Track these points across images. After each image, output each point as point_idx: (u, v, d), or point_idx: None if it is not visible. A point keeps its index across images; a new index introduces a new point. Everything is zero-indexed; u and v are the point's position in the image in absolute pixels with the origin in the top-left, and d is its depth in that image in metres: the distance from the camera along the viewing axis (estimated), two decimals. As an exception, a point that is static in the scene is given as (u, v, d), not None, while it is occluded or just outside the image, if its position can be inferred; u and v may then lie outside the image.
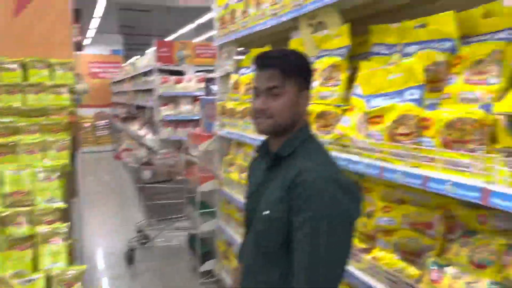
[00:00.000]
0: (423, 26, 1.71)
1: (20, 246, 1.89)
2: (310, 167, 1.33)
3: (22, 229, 1.96)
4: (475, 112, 1.34)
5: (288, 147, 1.43)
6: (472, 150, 1.34)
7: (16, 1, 2.74)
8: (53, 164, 2.21)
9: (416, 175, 1.50)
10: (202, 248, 4.09)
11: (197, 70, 6.88)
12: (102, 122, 14.12)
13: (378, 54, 2.05)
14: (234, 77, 3.40)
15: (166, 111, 6.56)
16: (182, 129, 6.64)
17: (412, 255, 1.70)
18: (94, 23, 12.21)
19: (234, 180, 3.40)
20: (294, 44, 2.59)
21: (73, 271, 1.84)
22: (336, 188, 1.28)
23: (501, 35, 1.42)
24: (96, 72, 14.73)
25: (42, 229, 1.95)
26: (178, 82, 6.46)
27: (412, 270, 1.64)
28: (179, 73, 6.82)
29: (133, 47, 20.02)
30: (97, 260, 4.73)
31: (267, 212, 1.38)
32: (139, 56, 9.81)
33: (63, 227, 1.99)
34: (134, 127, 9.36)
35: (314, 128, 2.17)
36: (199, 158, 4.11)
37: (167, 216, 4.70)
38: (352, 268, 1.94)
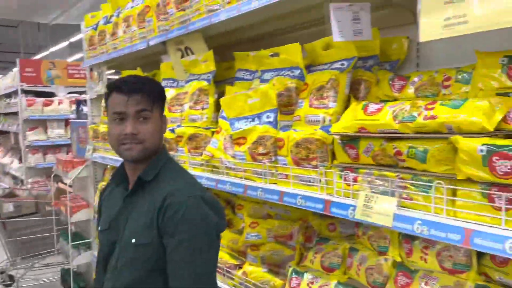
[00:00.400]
0: (276, 55, 1.89)
1: None
2: (178, 188, 1.36)
3: None
4: (317, 132, 1.51)
5: (151, 171, 1.42)
6: (316, 166, 1.50)
7: None
8: None
9: (274, 191, 1.63)
10: (77, 283, 3.78)
11: (70, 92, 6.43)
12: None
13: (242, 79, 2.19)
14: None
15: (34, 136, 5.96)
16: (52, 155, 6.09)
17: (276, 267, 1.83)
18: None
19: (109, 207, 3.24)
20: (165, 67, 2.61)
21: None
22: (205, 206, 1.34)
23: (336, 65, 1.64)
24: None
25: None
26: (47, 104, 5.94)
27: (277, 281, 1.76)
28: (49, 94, 6.29)
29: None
30: None
31: (133, 240, 1.35)
32: (1, 76, 8.80)
33: None
34: (-3, 155, 8.29)
35: (186, 151, 2.21)
36: (71, 186, 3.82)
37: (35, 252, 4.23)
38: (226, 286, 2.00)
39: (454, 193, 1.12)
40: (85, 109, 4.14)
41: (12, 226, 4.11)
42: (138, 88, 1.37)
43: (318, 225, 1.76)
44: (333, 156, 1.52)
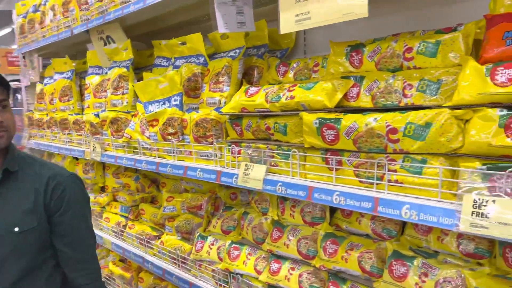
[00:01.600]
0: (184, 43, 2.07)
1: None
2: (56, 171, 1.47)
3: None
4: (211, 113, 1.72)
5: (14, 161, 1.45)
6: (212, 143, 1.72)
7: None
8: None
9: (179, 167, 1.82)
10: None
11: (11, 80, 6.29)
12: None
13: (159, 66, 2.35)
14: (39, 87, 3.34)
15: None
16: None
17: (188, 234, 2.04)
18: None
19: (47, 192, 3.34)
20: (90, 55, 2.72)
21: None
22: (80, 182, 1.52)
23: (231, 53, 1.84)
24: None
25: None
26: (-14, 93, 5.82)
27: (187, 246, 1.98)
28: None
29: None
30: None
31: (16, 228, 1.36)
32: None
33: None
34: None
35: (109, 133, 2.36)
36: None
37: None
38: (146, 255, 2.20)
39: (305, 159, 1.36)
40: (19, 97, 4.14)
41: None
42: (1, 78, 1.40)
43: (223, 195, 1.99)
44: (225, 133, 1.74)
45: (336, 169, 1.25)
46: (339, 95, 1.33)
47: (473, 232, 0.92)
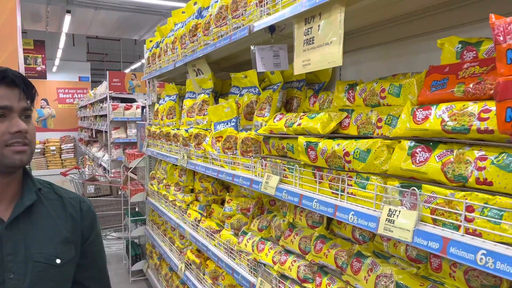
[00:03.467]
0: (246, 77, 2.57)
1: None
2: (75, 194, 1.34)
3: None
4: (252, 133, 2.18)
5: (34, 184, 1.24)
6: (251, 157, 2.17)
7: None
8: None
9: (229, 174, 2.31)
10: (134, 251, 4.78)
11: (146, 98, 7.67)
12: (68, 145, 14.63)
13: (233, 93, 2.90)
14: (156, 106, 4.21)
15: (116, 135, 7.29)
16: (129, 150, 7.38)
17: (237, 230, 2.50)
18: (65, 51, 12.89)
19: (155, 190, 4.16)
20: (188, 82, 3.43)
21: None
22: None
23: (274, 86, 2.28)
24: (64, 98, 15.33)
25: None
26: (127, 108, 7.24)
27: (234, 240, 2.44)
28: (131, 100, 7.59)
29: (101, 73, 20.69)
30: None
31: (58, 260, 1.19)
32: (105, 82, 10.57)
33: None
34: (94, 150, 9.98)
35: (193, 146, 2.98)
36: (137, 174, 4.84)
37: (108, 226, 5.35)
38: (209, 245, 2.72)
39: (301, 172, 1.72)
40: (145, 112, 5.16)
41: (93, 204, 5.28)
42: (28, 83, 1.18)
43: (265, 201, 2.41)
44: (261, 150, 2.17)
45: (319, 182, 1.58)
46: (333, 124, 1.66)
47: (385, 234, 1.19)
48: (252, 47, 2.03)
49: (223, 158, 2.44)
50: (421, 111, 1.22)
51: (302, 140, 1.64)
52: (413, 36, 1.80)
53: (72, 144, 14.89)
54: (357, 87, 1.68)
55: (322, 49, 1.58)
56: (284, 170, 1.84)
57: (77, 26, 8.98)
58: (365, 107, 1.61)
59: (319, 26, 1.62)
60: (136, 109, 7.20)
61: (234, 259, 2.39)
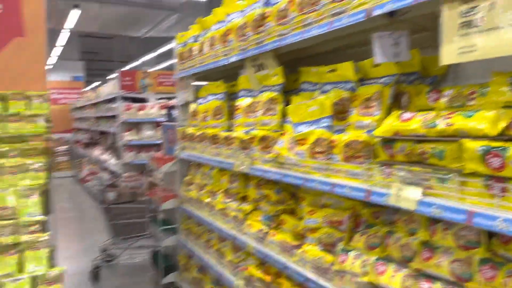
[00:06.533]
0: (333, 70, 2.26)
1: (7, 252, 2.22)
2: None
3: (7, 238, 2.29)
4: (362, 135, 1.87)
5: None
6: (361, 163, 1.86)
7: (-5, 40, 3.11)
8: (33, 183, 2.56)
9: (327, 183, 2.01)
10: (165, 262, 4.43)
11: (159, 98, 7.29)
12: (62, 148, 14.08)
13: (306, 90, 2.59)
14: (193, 106, 3.87)
15: (129, 136, 6.89)
16: (144, 153, 6.97)
17: (329, 246, 2.19)
18: (56, 51, 12.37)
19: (193, 197, 3.82)
20: (242, 79, 3.10)
21: (54, 272, 2.19)
22: None
23: (381, 80, 1.98)
24: (57, 99, 14.75)
25: (26, 238, 2.30)
26: (141, 109, 6.85)
27: (329, 257, 2.13)
28: (142, 100, 7.20)
29: (94, 73, 20.11)
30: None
31: None
32: (99, 83, 10.11)
33: (44, 236, 2.34)
34: (97, 152, 9.53)
35: (257, 150, 2.66)
36: (161, 179, 4.49)
37: (131, 235, 4.99)
38: (287, 261, 2.41)
39: (463, 183, 1.42)
40: (174, 113, 4.80)
41: (114, 212, 4.91)
42: None
43: (366, 213, 2.11)
44: (375, 155, 1.87)
45: (501, 196, 1.29)
46: (502, 124, 1.37)
47: None
48: (373, 35, 1.72)
49: (312, 164, 2.13)
50: None
51: (473, 144, 1.34)
52: None
53: (66, 147, 14.33)
54: (531, 79, 1.39)
55: (501, 33, 1.29)
56: (426, 179, 1.54)
57: (80, 21, 8.53)
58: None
59: (491, 4, 1.32)
60: (150, 109, 6.82)
61: (331, 280, 2.08)
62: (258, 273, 2.76)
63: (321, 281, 2.11)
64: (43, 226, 2.44)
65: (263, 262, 2.80)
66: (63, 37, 10.63)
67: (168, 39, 9.37)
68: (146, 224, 4.88)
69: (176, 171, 4.32)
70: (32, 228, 2.38)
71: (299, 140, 2.26)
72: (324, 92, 2.34)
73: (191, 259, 4.08)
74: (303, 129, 2.25)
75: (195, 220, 3.86)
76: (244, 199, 3.23)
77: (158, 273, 4.59)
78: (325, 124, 2.13)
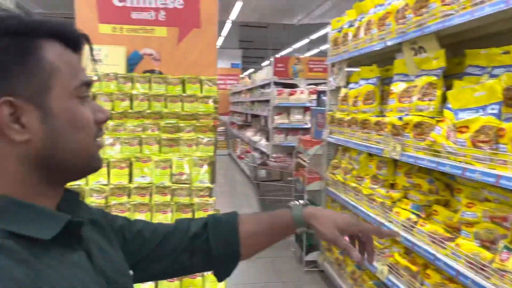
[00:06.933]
0: (507, 52, 2.04)
1: (183, 210, 2.67)
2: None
3: (184, 199, 2.74)
4: (539, 124, 1.67)
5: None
6: (536, 154, 1.67)
7: (178, 33, 3.65)
8: (203, 155, 2.97)
9: (491, 174, 1.86)
10: (308, 240, 4.63)
11: (309, 83, 7.49)
12: (220, 128, 15.62)
13: (471, 74, 2.40)
14: (343, 91, 3.91)
15: (279, 120, 7.28)
16: (292, 136, 7.29)
17: (488, 242, 2.03)
18: (219, 40, 13.69)
19: (339, 181, 3.89)
20: (398, 63, 3.01)
21: (218, 231, 2.54)
22: None
23: None
24: (218, 84, 16.35)
25: (197, 200, 2.71)
26: (292, 94, 7.15)
27: (487, 254, 1.98)
28: (292, 85, 7.51)
29: (250, 60, 21.59)
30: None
31: (131, 272, 0.92)
32: (253, 69, 10.83)
33: (211, 200, 2.72)
34: (249, 134, 10.33)
35: (411, 136, 2.58)
36: (308, 161, 4.67)
37: (278, 211, 5.34)
38: (438, 253, 2.31)
39: None
40: (324, 98, 4.92)
41: (263, 188, 5.32)
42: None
43: (537, 212, 1.89)
44: (556, 147, 1.65)
45: None
46: None
47: None
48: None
49: (474, 154, 1.99)
50: None
51: None
52: None
53: (223, 128, 15.84)
54: None
55: None
56: None
57: (241, 12, 9.26)
58: None
59: None
60: (300, 94, 7.08)
61: (489, 278, 1.93)
62: (404, 261, 2.72)
63: (477, 278, 1.98)
64: (210, 192, 2.83)
65: (410, 251, 2.73)
66: (226, 28, 11.68)
67: (320, 26, 9.48)
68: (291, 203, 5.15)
69: (323, 154, 4.45)
70: (202, 193, 2.78)
71: (460, 128, 2.12)
72: (493, 76, 2.14)
73: (334, 240, 4.19)
74: (466, 116, 2.11)
75: (339, 203, 3.94)
76: (392, 186, 3.17)
77: (299, 250, 4.83)
78: (493, 111, 1.96)
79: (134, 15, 3.62)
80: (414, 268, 2.59)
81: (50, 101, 0.67)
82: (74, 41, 0.72)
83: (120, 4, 3.60)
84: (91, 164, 0.76)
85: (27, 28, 0.65)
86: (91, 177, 2.72)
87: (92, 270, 0.73)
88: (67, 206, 0.76)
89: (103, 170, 2.77)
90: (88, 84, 0.74)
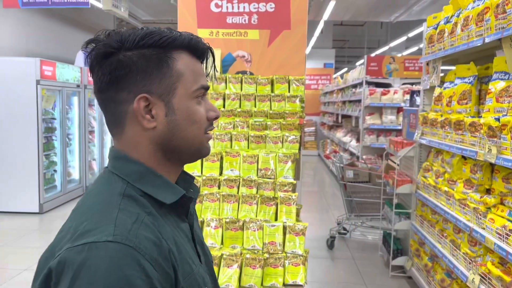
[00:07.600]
0: None
1: (267, 203, 2.82)
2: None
3: (268, 193, 2.89)
4: None
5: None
6: None
7: (269, 35, 3.83)
8: (288, 152, 3.10)
9: None
10: (395, 245, 4.50)
11: (404, 83, 7.19)
12: (310, 129, 15.64)
13: None
14: (437, 90, 3.74)
15: (371, 120, 7.11)
16: (384, 137, 7.07)
17: None
18: (312, 40, 13.71)
19: (430, 184, 3.73)
20: (498, 61, 2.82)
21: (300, 225, 2.65)
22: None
23: None
24: (309, 84, 16.39)
25: (281, 194, 2.84)
26: (384, 94, 6.93)
27: None
28: (386, 85, 7.27)
29: (343, 60, 21.20)
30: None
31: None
32: (346, 69, 10.64)
33: (294, 195, 2.83)
34: (339, 134, 10.22)
35: (508, 138, 2.41)
36: (399, 163, 4.53)
37: (365, 213, 5.26)
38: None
39: None
40: (417, 98, 4.72)
41: (350, 189, 5.27)
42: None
43: None
44: None
45: None
46: None
47: None
48: None
49: None
50: None
51: None
52: None
53: (313, 128, 15.83)
54: None
55: None
56: None
57: (334, 11, 9.21)
58: None
59: None
60: (394, 94, 6.83)
61: None
62: (497, 271, 2.55)
63: None
64: (293, 188, 2.95)
65: (504, 261, 2.55)
66: (318, 28, 11.70)
67: (418, 22, 8.99)
68: (380, 205, 5.04)
69: (414, 156, 4.28)
70: (285, 187, 2.91)
71: None
72: None
73: (422, 246, 4.02)
74: None
75: (429, 208, 3.78)
76: (487, 191, 2.97)
77: (386, 254, 4.71)
78: None
79: (229, 20, 3.89)
80: (507, 278, 2.42)
81: (174, 99, 0.85)
82: (200, 52, 0.91)
83: (217, 10, 3.89)
84: (201, 151, 0.93)
85: (166, 42, 0.84)
86: (186, 168, 3.01)
87: (192, 241, 0.92)
88: (183, 184, 0.95)
89: (197, 162, 3.05)
90: (206, 88, 0.91)
